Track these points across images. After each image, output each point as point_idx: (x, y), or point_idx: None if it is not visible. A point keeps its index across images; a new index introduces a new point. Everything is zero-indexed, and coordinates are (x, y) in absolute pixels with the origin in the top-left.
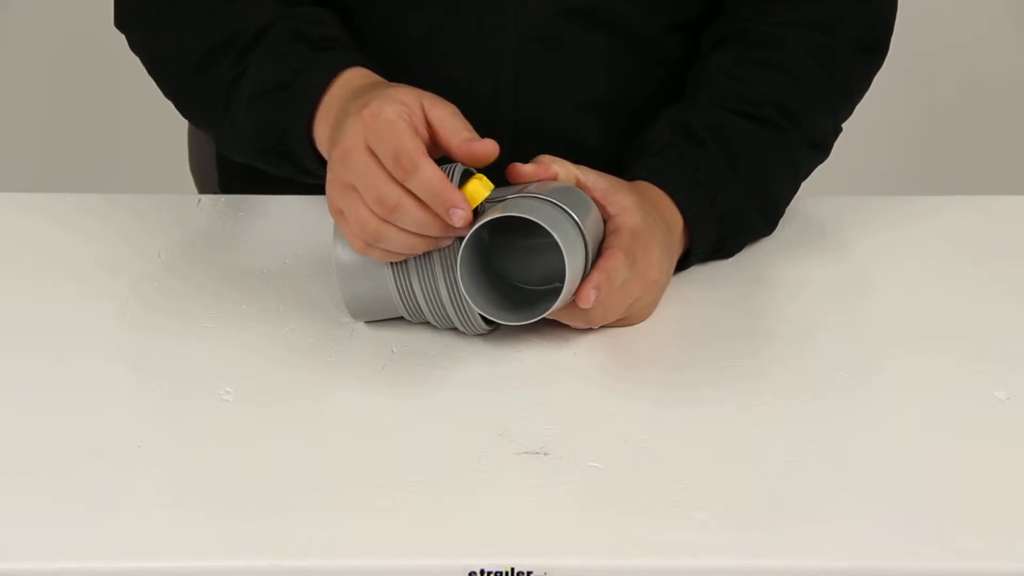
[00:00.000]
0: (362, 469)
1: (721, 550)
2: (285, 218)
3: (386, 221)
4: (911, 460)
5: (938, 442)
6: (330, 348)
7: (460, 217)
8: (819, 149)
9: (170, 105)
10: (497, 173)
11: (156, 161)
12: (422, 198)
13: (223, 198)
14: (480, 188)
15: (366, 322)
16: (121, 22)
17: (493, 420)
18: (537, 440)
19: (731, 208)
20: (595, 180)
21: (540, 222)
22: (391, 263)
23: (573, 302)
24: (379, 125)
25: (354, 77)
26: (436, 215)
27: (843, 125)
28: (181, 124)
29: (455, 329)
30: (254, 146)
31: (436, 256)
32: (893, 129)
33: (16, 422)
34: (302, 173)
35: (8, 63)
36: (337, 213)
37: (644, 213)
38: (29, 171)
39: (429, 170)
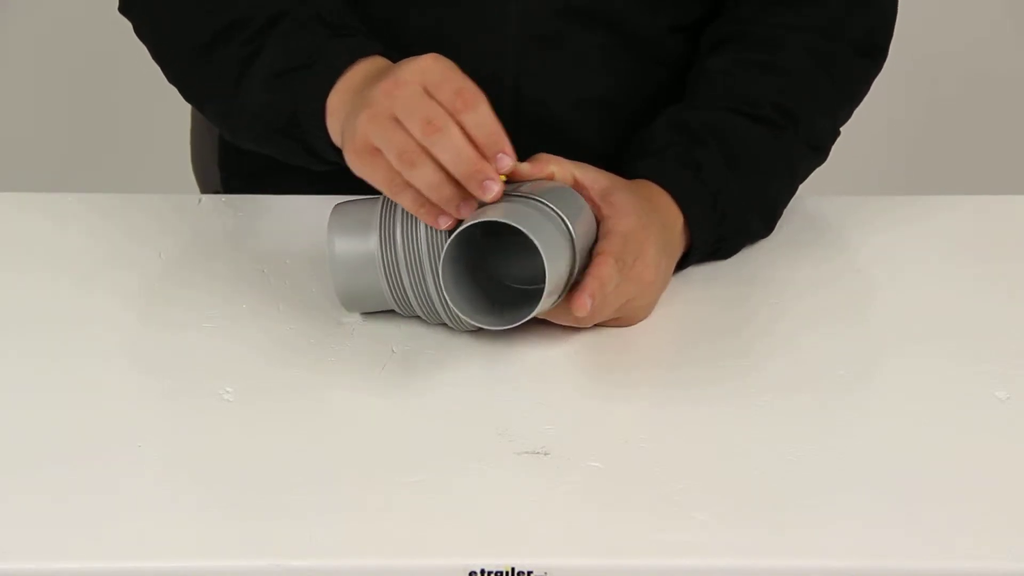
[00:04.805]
0: (362, 469)
1: (721, 550)
2: (285, 218)
3: (424, 151)
4: (911, 460)
5: (938, 442)
6: (330, 348)
7: (507, 164)
8: (817, 151)
9: (172, 104)
10: None
11: (157, 161)
12: (475, 134)
13: (223, 198)
14: None
15: (362, 315)
16: (126, 6)
17: (493, 420)
18: (537, 440)
19: (731, 208)
20: (593, 179)
21: (520, 227)
22: (382, 256)
23: (563, 304)
24: (441, 67)
25: (372, 63)
26: (476, 152)
27: (843, 127)
28: (183, 123)
29: (445, 325)
30: (264, 126)
31: (425, 251)
32: (893, 129)
33: (16, 422)
34: (309, 155)
35: (8, 62)
36: (368, 152)
37: (640, 214)
38: (29, 171)
39: (489, 109)
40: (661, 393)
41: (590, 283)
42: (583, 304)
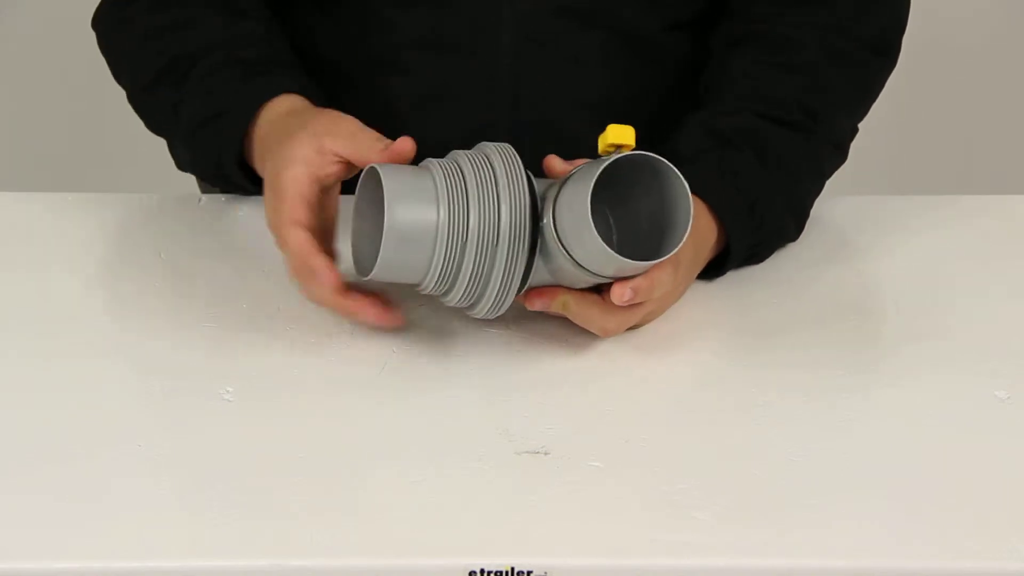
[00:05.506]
0: (362, 469)
1: (721, 550)
2: None
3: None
4: (911, 460)
5: (938, 442)
6: (330, 348)
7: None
8: (840, 150)
9: None
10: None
11: (157, 161)
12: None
13: (224, 197)
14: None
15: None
16: (94, 22)
17: (493, 420)
18: (537, 440)
19: (768, 214)
20: None
21: (664, 160)
22: (449, 228)
23: (593, 304)
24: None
25: (280, 105)
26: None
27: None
28: None
29: (458, 313)
30: (199, 170)
31: (506, 222)
32: (894, 129)
33: (16, 422)
34: (245, 191)
35: (8, 62)
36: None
37: None
38: (29, 171)
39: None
40: (661, 393)
41: (640, 279)
42: (622, 293)
